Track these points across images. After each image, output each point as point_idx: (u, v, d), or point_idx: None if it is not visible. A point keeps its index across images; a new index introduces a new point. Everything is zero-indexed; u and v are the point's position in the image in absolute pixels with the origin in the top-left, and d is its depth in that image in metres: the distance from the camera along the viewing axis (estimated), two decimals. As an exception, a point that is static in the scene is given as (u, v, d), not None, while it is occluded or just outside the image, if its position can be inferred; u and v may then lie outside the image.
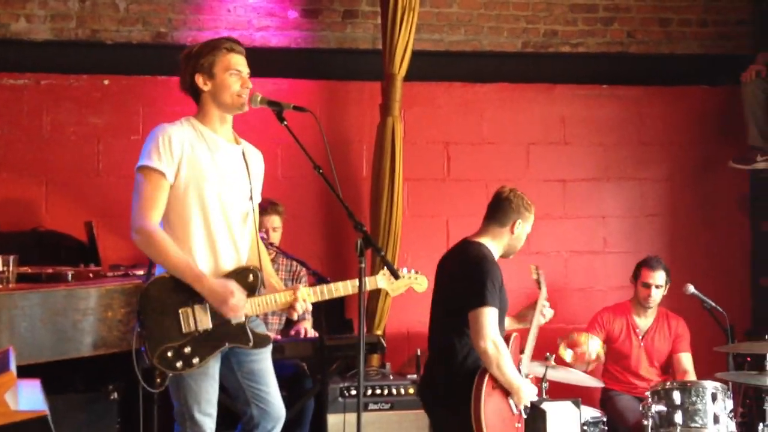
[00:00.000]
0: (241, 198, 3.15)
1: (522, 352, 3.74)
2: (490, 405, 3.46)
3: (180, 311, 3.00)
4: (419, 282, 3.40)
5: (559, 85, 5.53)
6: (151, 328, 2.98)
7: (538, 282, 3.95)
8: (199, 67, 3.10)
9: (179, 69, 3.17)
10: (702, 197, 5.62)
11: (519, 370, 3.66)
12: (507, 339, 3.68)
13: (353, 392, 4.32)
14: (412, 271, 3.40)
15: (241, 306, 3.00)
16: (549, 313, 3.87)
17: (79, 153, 5.01)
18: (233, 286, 3.01)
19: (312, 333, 4.46)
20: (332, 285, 3.16)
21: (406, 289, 3.37)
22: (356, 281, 3.01)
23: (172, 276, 3.00)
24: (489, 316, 3.50)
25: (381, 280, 3.27)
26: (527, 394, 3.55)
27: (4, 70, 4.97)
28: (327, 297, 3.16)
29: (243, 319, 3.05)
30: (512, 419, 3.57)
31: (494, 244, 3.72)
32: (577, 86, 5.55)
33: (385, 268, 3.18)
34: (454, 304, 3.61)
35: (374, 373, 4.63)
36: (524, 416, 3.61)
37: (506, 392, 3.54)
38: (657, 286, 4.72)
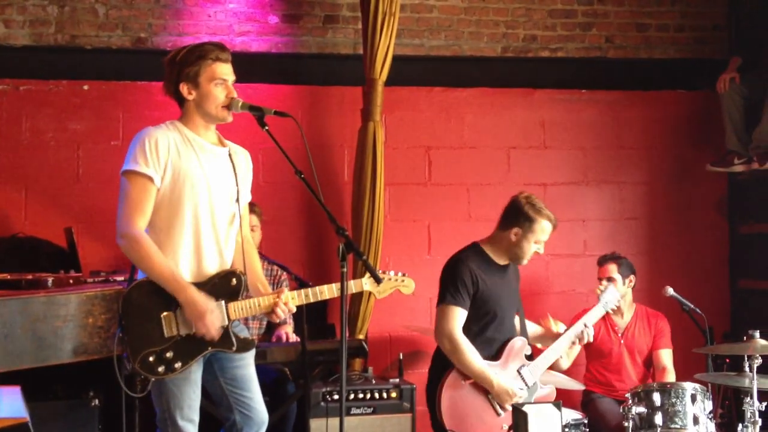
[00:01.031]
0: (227, 201, 3.14)
1: (530, 359, 3.78)
2: (453, 397, 3.58)
3: (162, 315, 2.99)
4: (406, 284, 3.38)
5: (538, 89, 5.57)
6: (133, 332, 2.97)
7: (599, 298, 4.05)
8: (184, 76, 3.08)
9: (163, 73, 3.15)
10: (680, 200, 5.68)
11: (519, 374, 3.69)
12: (506, 342, 3.72)
13: (335, 397, 4.32)
14: (399, 273, 3.38)
15: (214, 328, 2.98)
16: (586, 334, 3.89)
17: (58, 159, 4.98)
18: (213, 306, 2.99)
19: (293, 338, 4.46)
20: (316, 288, 3.15)
21: (392, 291, 3.35)
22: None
23: (152, 280, 2.99)
24: (447, 313, 3.66)
25: (367, 282, 3.26)
26: (504, 391, 3.60)
27: (-18, 76, 4.94)
28: (311, 300, 3.15)
29: (226, 322, 3.03)
30: (494, 418, 3.61)
31: (494, 248, 3.80)
32: (557, 91, 5.60)
33: (366, 276, 3.20)
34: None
35: (356, 378, 4.63)
36: None
37: (485, 390, 3.60)
38: (609, 279, 4.75)
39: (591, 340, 4.03)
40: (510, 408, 3.63)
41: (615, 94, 5.65)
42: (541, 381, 4.01)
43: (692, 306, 4.57)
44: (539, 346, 4.08)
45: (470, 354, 3.61)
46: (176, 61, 3.10)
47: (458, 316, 3.66)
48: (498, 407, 3.63)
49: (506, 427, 3.62)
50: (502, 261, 3.81)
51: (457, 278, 3.67)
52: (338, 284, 3.06)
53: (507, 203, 3.85)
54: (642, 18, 5.68)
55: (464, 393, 3.61)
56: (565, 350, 3.94)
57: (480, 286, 3.69)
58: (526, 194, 3.82)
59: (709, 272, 5.64)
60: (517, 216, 3.75)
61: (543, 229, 3.76)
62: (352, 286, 3.18)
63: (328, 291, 3.15)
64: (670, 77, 5.68)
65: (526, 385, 3.76)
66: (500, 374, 3.68)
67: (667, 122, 5.69)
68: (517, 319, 3.92)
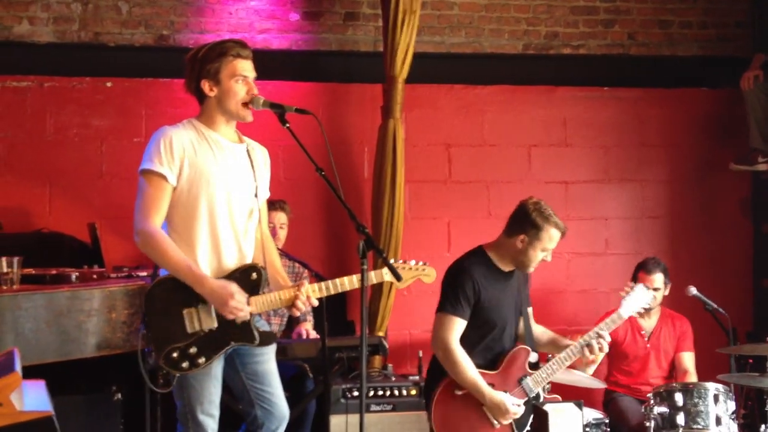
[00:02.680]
0: (245, 196, 3.15)
1: (534, 368, 3.72)
2: (446, 407, 3.52)
3: (184, 312, 3.01)
4: (427, 273, 3.34)
5: (560, 87, 5.55)
6: (156, 329, 2.99)
7: (621, 304, 3.84)
8: (205, 73, 3.10)
9: (184, 70, 3.17)
10: (703, 199, 5.63)
11: (519, 385, 3.64)
12: (507, 352, 3.69)
13: (355, 393, 4.33)
14: (420, 262, 3.34)
15: (241, 308, 3.00)
16: (600, 347, 3.67)
17: (82, 155, 5.02)
18: (233, 288, 3.00)
19: (314, 334, 4.48)
20: (337, 280, 3.14)
21: (413, 280, 3.32)
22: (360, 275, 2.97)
23: (174, 277, 3.01)
24: (444, 323, 3.58)
25: (387, 273, 3.20)
26: (495, 405, 3.53)
27: (8, 73, 4.99)
28: (332, 292, 3.15)
29: (248, 317, 3.06)
30: (488, 430, 3.57)
31: (499, 254, 3.71)
32: (578, 88, 5.57)
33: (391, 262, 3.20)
34: None
35: (376, 375, 4.64)
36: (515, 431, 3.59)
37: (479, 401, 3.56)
38: (656, 289, 4.72)
39: (605, 351, 3.71)
40: (505, 422, 3.56)
41: (637, 91, 5.61)
42: (562, 379, 3.97)
43: (715, 306, 4.53)
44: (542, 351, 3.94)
45: (464, 365, 3.52)
46: (197, 58, 3.12)
47: (456, 326, 3.57)
48: (493, 419, 3.58)
49: None
50: (506, 267, 3.71)
51: (458, 288, 3.58)
52: (358, 276, 3.03)
53: (515, 208, 3.71)
54: (665, 15, 5.64)
55: (458, 402, 3.54)
56: (571, 361, 3.68)
57: (482, 297, 3.61)
58: (534, 200, 3.66)
59: (732, 272, 5.59)
60: (523, 223, 3.62)
61: (551, 237, 3.62)
62: (373, 276, 3.17)
63: (348, 282, 3.14)
64: (692, 75, 5.64)
65: (527, 395, 3.66)
66: (497, 386, 3.59)
67: (690, 120, 5.64)
68: (521, 325, 3.82)
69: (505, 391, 3.61)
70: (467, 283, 3.59)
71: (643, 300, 3.90)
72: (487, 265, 3.69)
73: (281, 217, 4.60)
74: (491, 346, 3.68)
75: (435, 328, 3.61)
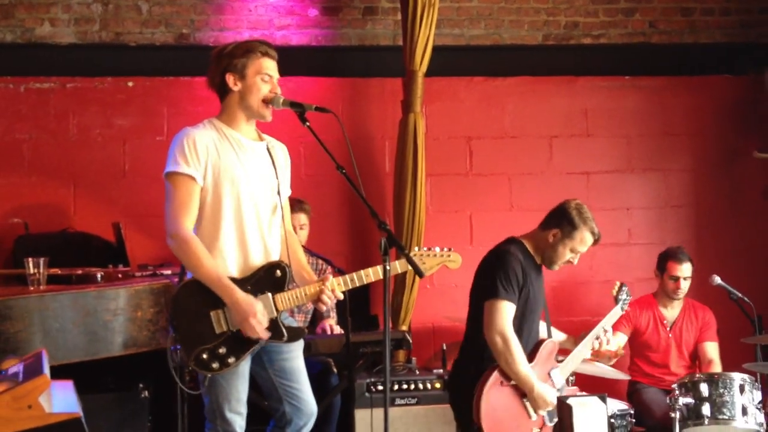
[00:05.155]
0: (268, 194, 3.17)
1: (558, 361, 3.73)
2: (493, 398, 3.49)
3: (211, 313, 3.03)
4: (452, 259, 3.30)
5: (581, 77, 5.51)
6: (185, 332, 3.02)
7: (615, 300, 3.92)
8: (231, 67, 3.12)
9: (209, 66, 3.19)
10: (727, 187, 5.58)
11: (549, 377, 3.65)
12: (539, 344, 3.68)
13: (380, 388, 4.34)
14: (445, 248, 3.30)
15: (260, 329, 3.01)
16: (608, 340, 3.77)
17: (105, 154, 5.07)
18: (259, 307, 3.01)
19: (337, 330, 4.50)
20: (361, 272, 3.14)
21: (439, 267, 3.28)
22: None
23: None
24: (500, 309, 3.54)
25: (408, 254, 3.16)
26: (541, 397, 3.53)
27: (31, 74, 5.04)
28: (357, 284, 3.15)
29: (274, 314, 3.07)
30: (527, 422, 3.56)
31: (532, 246, 3.72)
32: (600, 78, 5.53)
33: (415, 251, 3.20)
34: (475, 296, 3.70)
35: (400, 369, 4.65)
36: (549, 424, 3.58)
37: (522, 393, 3.55)
38: (685, 278, 4.70)
39: (611, 347, 3.85)
40: (542, 413, 3.57)
41: (659, 80, 5.56)
42: (587, 371, 3.97)
43: (740, 295, 4.50)
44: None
45: (520, 355, 3.50)
46: (225, 53, 3.15)
47: (510, 311, 3.54)
48: (531, 410, 3.58)
49: (536, 431, 3.59)
50: (538, 260, 3.73)
51: (510, 270, 3.55)
52: (382, 266, 3.00)
53: (555, 205, 3.72)
54: (686, 2, 5.57)
55: (504, 396, 3.52)
56: (587, 353, 3.79)
57: (527, 282, 3.61)
58: (577, 201, 3.68)
59: (757, 260, 5.53)
60: (561, 219, 3.63)
61: (583, 239, 3.63)
62: (398, 266, 3.16)
63: (373, 273, 3.13)
64: (715, 62, 5.57)
65: (555, 387, 3.67)
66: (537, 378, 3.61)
67: (713, 108, 5.58)
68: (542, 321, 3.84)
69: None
70: (516, 266, 3.57)
71: (629, 297, 3.99)
72: (525, 253, 3.70)
73: (301, 218, 4.61)
74: (528, 336, 3.68)
75: (490, 316, 3.54)
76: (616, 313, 3.91)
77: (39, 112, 5.04)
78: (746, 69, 5.51)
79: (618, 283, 4.00)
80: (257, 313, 3.00)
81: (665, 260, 4.77)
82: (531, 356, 3.66)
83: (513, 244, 3.70)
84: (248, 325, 3.00)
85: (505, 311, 3.54)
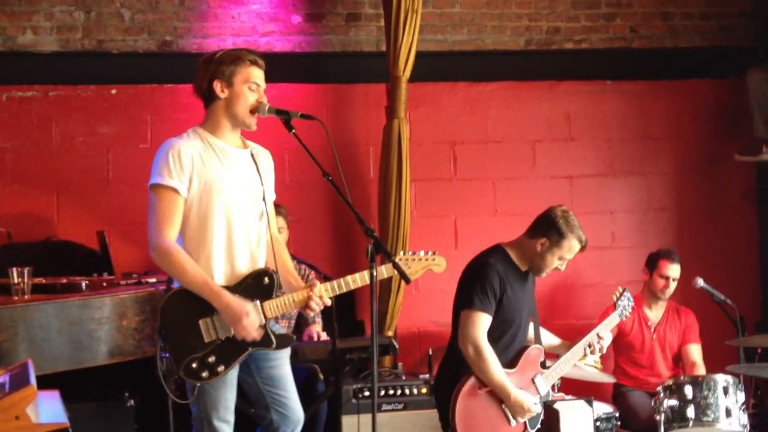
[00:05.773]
0: (254, 201, 3.18)
1: (545, 366, 3.74)
2: (469, 404, 3.51)
3: (200, 322, 3.03)
4: (437, 263, 3.31)
5: (563, 81, 5.55)
6: (174, 342, 3.02)
7: (615, 306, 3.92)
8: (219, 74, 3.12)
9: (196, 72, 3.18)
10: (709, 190, 5.63)
11: (533, 383, 3.66)
12: (523, 350, 3.70)
13: (366, 393, 4.34)
14: (429, 252, 3.31)
15: (253, 329, 3.02)
16: (604, 339, 3.77)
17: (88, 163, 5.04)
18: (249, 307, 3.03)
19: (324, 336, 4.50)
20: (348, 277, 3.16)
21: (424, 270, 3.30)
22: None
23: (186, 288, 3.04)
24: (474, 319, 3.56)
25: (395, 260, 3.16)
26: (519, 404, 3.54)
27: (13, 83, 5.00)
28: (344, 290, 3.16)
29: (256, 338, 3.07)
30: (506, 428, 3.57)
31: (518, 254, 3.71)
32: (581, 83, 5.57)
33: (400, 255, 3.22)
34: (455, 305, 3.72)
35: (387, 374, 4.66)
36: (531, 431, 3.59)
37: (500, 399, 3.56)
38: (674, 279, 4.75)
39: (604, 351, 3.85)
40: (521, 420, 3.58)
41: (640, 84, 5.61)
42: (573, 374, 3.98)
43: (723, 297, 4.54)
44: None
45: (493, 364, 3.52)
46: (213, 59, 3.15)
47: (485, 322, 3.56)
48: (511, 417, 3.59)
49: None
50: (524, 267, 3.73)
51: (486, 282, 3.57)
52: (368, 272, 3.00)
53: (541, 213, 3.71)
54: (666, 6, 5.63)
55: (480, 401, 3.53)
56: (577, 359, 3.79)
57: (506, 292, 3.61)
58: (563, 208, 3.68)
59: (739, 262, 5.59)
60: (548, 228, 3.63)
61: (571, 247, 3.64)
62: (384, 270, 3.16)
63: (360, 279, 3.15)
64: (696, 66, 5.63)
65: (539, 394, 3.68)
66: (517, 386, 3.60)
67: (694, 111, 5.64)
68: (531, 326, 3.84)
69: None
70: (494, 278, 3.58)
71: (630, 304, 4.00)
72: (508, 262, 3.70)
73: (279, 221, 4.60)
74: (509, 344, 3.69)
75: (464, 326, 3.57)
76: (613, 320, 3.90)
77: (21, 120, 5.01)
78: (726, 72, 5.56)
79: (620, 289, 3.99)
80: (249, 313, 3.01)
81: (657, 259, 4.81)
82: (513, 362, 3.68)
83: (494, 254, 3.69)
84: (241, 326, 3.01)
85: (479, 322, 3.55)
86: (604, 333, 3.81)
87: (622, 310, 3.94)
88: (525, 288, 3.75)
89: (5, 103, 5.00)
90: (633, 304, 4.04)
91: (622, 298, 3.96)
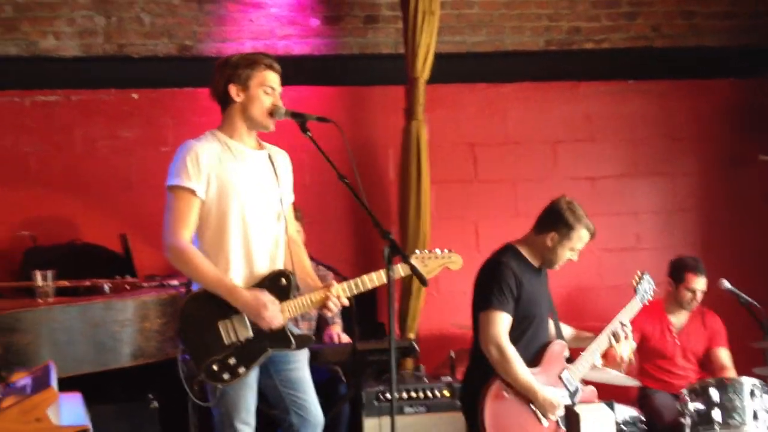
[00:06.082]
0: (272, 203, 3.19)
1: (570, 361, 3.71)
2: (497, 408, 3.49)
3: (219, 324, 3.04)
4: (453, 260, 3.30)
5: (583, 82, 5.51)
6: (194, 344, 3.03)
7: (635, 290, 3.87)
8: (235, 77, 3.14)
9: (212, 76, 3.21)
10: (734, 190, 5.57)
11: (560, 380, 3.63)
12: (545, 347, 3.67)
13: (388, 396, 4.33)
14: (446, 250, 3.30)
15: (275, 316, 3.04)
16: (626, 335, 3.71)
17: (111, 166, 5.08)
18: (266, 297, 3.05)
19: (344, 337, 4.49)
20: (365, 276, 3.16)
21: (440, 269, 3.28)
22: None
23: (206, 291, 3.05)
24: (494, 320, 3.55)
25: (413, 262, 3.15)
26: (548, 402, 3.51)
27: (36, 87, 5.05)
28: (362, 289, 3.17)
29: (283, 324, 3.08)
30: (538, 429, 3.54)
31: (529, 251, 3.71)
32: (602, 83, 5.53)
33: (416, 254, 3.21)
34: (473, 308, 3.71)
35: (409, 376, 4.64)
36: (564, 428, 3.55)
37: (528, 399, 3.53)
38: (702, 291, 4.68)
39: (632, 343, 3.79)
40: (553, 418, 3.55)
41: (663, 83, 5.56)
42: (598, 378, 3.94)
43: (749, 299, 4.48)
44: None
45: (518, 364, 3.51)
46: (229, 63, 3.17)
47: (505, 322, 3.55)
48: (541, 416, 3.56)
49: None
50: (536, 263, 3.73)
51: (502, 282, 3.56)
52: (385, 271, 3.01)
53: (546, 205, 3.72)
54: (688, 5, 5.57)
55: (508, 404, 3.51)
56: (603, 350, 3.75)
57: (523, 290, 3.60)
58: (567, 199, 3.68)
59: (765, 263, 5.51)
60: (556, 221, 3.64)
61: (580, 237, 3.64)
62: (401, 270, 3.16)
63: (377, 278, 3.15)
64: (719, 65, 5.56)
65: (568, 390, 3.66)
66: (544, 384, 3.58)
67: (718, 111, 5.58)
68: (551, 322, 3.83)
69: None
70: (509, 276, 3.58)
71: (651, 287, 3.93)
72: (520, 259, 3.70)
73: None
74: (531, 341, 3.67)
75: (484, 327, 3.56)
76: (635, 305, 3.83)
77: (44, 124, 5.05)
78: (750, 72, 5.50)
79: (639, 272, 3.93)
80: (267, 303, 3.02)
81: (683, 270, 4.70)
82: (537, 360, 3.66)
83: (507, 253, 3.69)
84: (262, 318, 3.02)
85: (500, 321, 3.54)
86: (627, 320, 3.76)
87: (643, 295, 3.88)
88: (540, 284, 3.75)
89: (28, 108, 5.04)
90: (654, 286, 3.95)
91: (642, 281, 3.90)
